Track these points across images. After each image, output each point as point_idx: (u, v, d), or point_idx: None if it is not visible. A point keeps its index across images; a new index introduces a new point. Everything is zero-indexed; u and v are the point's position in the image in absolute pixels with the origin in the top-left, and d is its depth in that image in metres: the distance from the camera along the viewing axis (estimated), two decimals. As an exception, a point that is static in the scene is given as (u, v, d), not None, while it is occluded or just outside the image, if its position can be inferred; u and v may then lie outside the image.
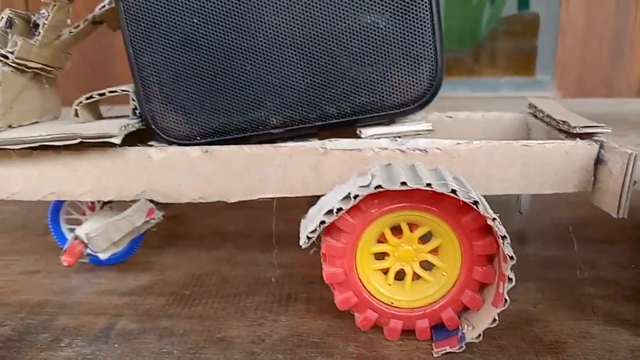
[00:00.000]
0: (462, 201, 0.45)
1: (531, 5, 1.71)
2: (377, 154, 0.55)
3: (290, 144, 0.56)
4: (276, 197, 0.57)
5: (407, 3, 0.54)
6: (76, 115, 0.61)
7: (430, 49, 0.55)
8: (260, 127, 0.57)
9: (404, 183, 0.45)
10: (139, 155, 0.56)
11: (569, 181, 0.55)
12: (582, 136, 0.56)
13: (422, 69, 0.56)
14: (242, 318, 0.56)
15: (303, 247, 0.49)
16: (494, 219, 0.45)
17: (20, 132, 0.58)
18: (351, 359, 0.49)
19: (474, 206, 0.45)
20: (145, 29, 0.55)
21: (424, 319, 0.51)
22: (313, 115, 0.57)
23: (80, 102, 0.61)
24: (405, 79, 0.56)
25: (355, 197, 0.46)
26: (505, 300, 0.46)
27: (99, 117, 0.65)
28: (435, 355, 0.49)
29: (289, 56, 0.55)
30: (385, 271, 0.51)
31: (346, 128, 0.58)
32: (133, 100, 0.59)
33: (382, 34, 0.55)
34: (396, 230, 0.50)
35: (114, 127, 0.55)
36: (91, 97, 0.60)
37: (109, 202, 0.63)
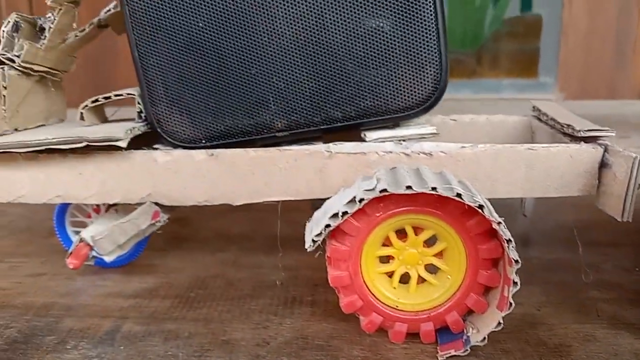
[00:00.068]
0: (467, 205, 0.46)
1: (534, 7, 1.71)
2: (382, 157, 0.55)
3: (295, 147, 0.56)
4: (281, 200, 0.58)
5: (412, 7, 0.54)
6: (82, 118, 0.61)
7: (435, 52, 0.55)
8: (265, 131, 0.57)
9: (409, 187, 0.45)
10: (145, 159, 0.57)
11: (573, 185, 0.55)
12: (587, 140, 0.56)
13: (427, 73, 0.56)
14: (247, 321, 0.56)
15: (308, 250, 0.49)
16: (499, 223, 0.45)
17: (26, 135, 0.58)
18: (356, 362, 0.49)
19: (479, 210, 0.46)
20: (150, 33, 0.55)
21: (428, 322, 0.51)
22: (318, 119, 0.57)
23: (86, 106, 0.61)
24: (410, 82, 0.56)
25: (361, 200, 0.46)
26: (510, 303, 0.47)
27: (104, 120, 0.65)
28: (440, 358, 0.49)
29: (294, 60, 0.55)
30: (390, 274, 0.51)
31: (351, 131, 0.58)
32: (138, 103, 0.59)
33: (386, 38, 0.55)
34: (401, 233, 0.50)
35: (120, 131, 0.55)
36: (97, 100, 0.61)
37: (115, 204, 0.63)
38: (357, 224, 0.48)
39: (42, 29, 0.62)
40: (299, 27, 0.54)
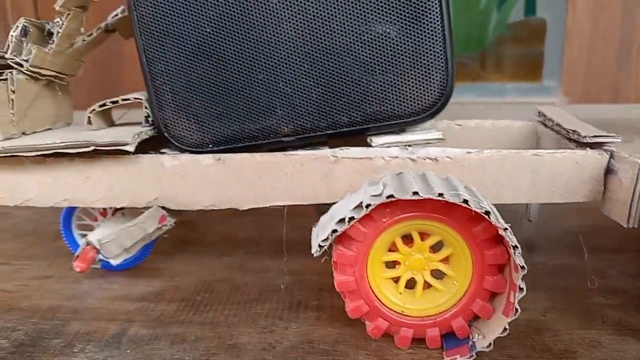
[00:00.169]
0: (474, 211, 0.46)
1: (538, 12, 1.72)
2: (388, 162, 0.55)
3: (301, 152, 0.56)
4: (287, 205, 0.58)
5: (418, 13, 0.54)
6: (89, 122, 0.62)
7: (441, 58, 0.56)
8: (272, 135, 0.57)
9: (415, 193, 0.46)
10: (152, 163, 0.57)
11: (579, 191, 0.55)
12: (592, 146, 0.56)
13: (433, 79, 0.56)
14: (253, 325, 0.56)
15: (315, 255, 0.49)
16: (505, 229, 0.46)
17: (34, 139, 0.59)
18: (362, 367, 0.49)
19: (486, 216, 0.46)
20: (158, 38, 0.55)
21: (434, 328, 0.51)
22: (324, 124, 0.57)
23: (94, 110, 0.61)
24: (416, 88, 0.56)
25: (367, 206, 0.47)
26: (516, 309, 0.47)
27: (111, 124, 0.66)
28: (445, 363, 0.49)
29: (300, 65, 0.55)
30: (396, 280, 0.52)
31: (357, 136, 0.58)
32: (146, 108, 0.59)
33: (393, 43, 0.55)
34: (407, 239, 0.51)
35: (128, 135, 0.55)
36: (104, 104, 0.61)
37: (121, 208, 0.64)
38: (364, 230, 0.48)
39: (50, 34, 0.63)
40: (305, 32, 0.55)
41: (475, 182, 0.54)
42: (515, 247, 0.45)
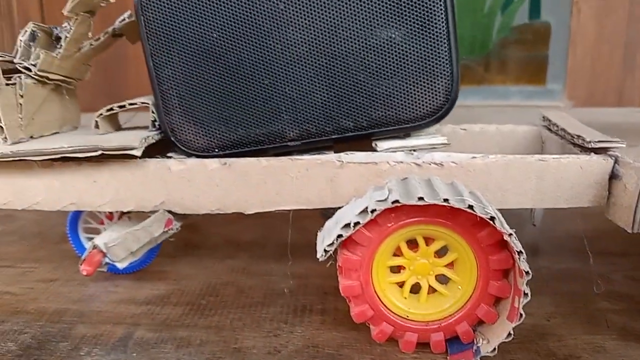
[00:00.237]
0: (479, 216, 0.46)
1: (542, 15, 1.71)
2: (393, 167, 0.55)
3: (306, 156, 0.57)
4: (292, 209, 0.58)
5: (424, 18, 0.55)
6: (97, 126, 0.62)
7: (446, 63, 0.56)
8: (278, 140, 0.58)
9: (421, 198, 0.46)
10: (159, 167, 0.57)
11: (583, 196, 0.55)
12: (597, 151, 0.56)
13: (438, 83, 0.56)
14: (258, 329, 0.56)
15: (320, 259, 0.50)
16: (510, 235, 0.46)
17: (41, 143, 0.59)
18: (367, 371, 0.49)
19: (491, 221, 0.46)
20: (165, 43, 0.56)
21: (439, 332, 0.51)
22: (329, 129, 0.57)
23: (101, 114, 0.62)
24: (422, 93, 0.56)
25: (373, 211, 0.47)
26: (521, 314, 0.47)
27: (118, 127, 0.66)
28: (450, 368, 0.49)
29: (306, 70, 0.56)
30: (401, 284, 0.52)
31: (362, 141, 0.58)
32: (152, 112, 0.60)
33: (398, 48, 0.55)
34: (412, 243, 0.51)
35: (135, 140, 0.56)
36: (111, 109, 0.61)
37: (128, 212, 0.64)
38: (369, 234, 0.49)
39: (58, 38, 0.63)
40: (311, 37, 0.55)
41: (480, 187, 0.55)
42: (520, 253, 0.46)
